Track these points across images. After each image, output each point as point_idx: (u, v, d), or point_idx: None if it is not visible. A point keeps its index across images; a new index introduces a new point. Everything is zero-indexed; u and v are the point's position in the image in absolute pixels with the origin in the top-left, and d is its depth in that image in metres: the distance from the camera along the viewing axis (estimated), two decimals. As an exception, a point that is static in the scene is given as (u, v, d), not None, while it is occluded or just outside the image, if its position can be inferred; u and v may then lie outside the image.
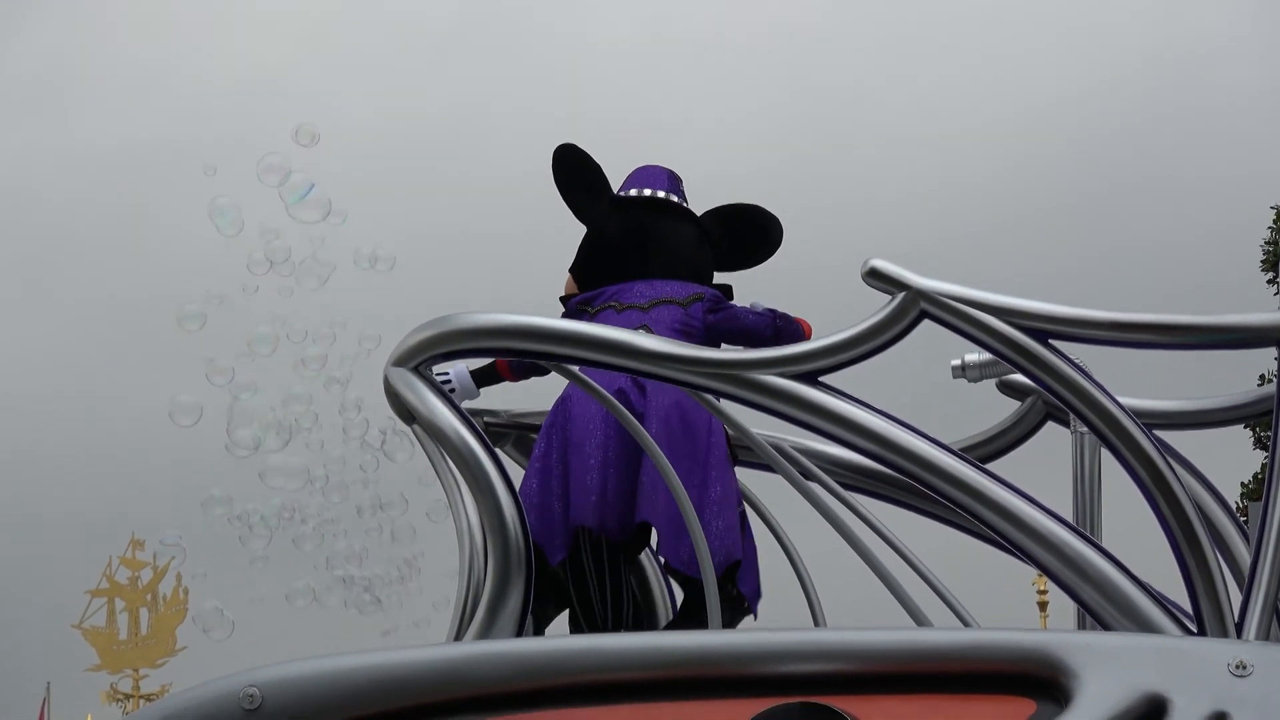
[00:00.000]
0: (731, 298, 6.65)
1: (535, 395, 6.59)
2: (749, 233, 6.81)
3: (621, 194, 6.80)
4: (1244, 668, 4.22)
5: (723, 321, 6.48)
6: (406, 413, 5.31)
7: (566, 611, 6.32)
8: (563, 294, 6.77)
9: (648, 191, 6.78)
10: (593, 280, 6.68)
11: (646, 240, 6.67)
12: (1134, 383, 5.77)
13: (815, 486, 5.69)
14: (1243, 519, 5.89)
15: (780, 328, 6.49)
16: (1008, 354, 5.06)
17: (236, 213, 7.05)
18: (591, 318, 6.41)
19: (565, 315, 6.56)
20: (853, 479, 6.13)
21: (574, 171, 6.80)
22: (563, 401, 6.30)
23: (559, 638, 4.74)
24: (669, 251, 6.65)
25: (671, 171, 6.91)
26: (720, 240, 6.76)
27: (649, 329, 6.20)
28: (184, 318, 7.17)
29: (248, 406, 6.92)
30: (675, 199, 6.79)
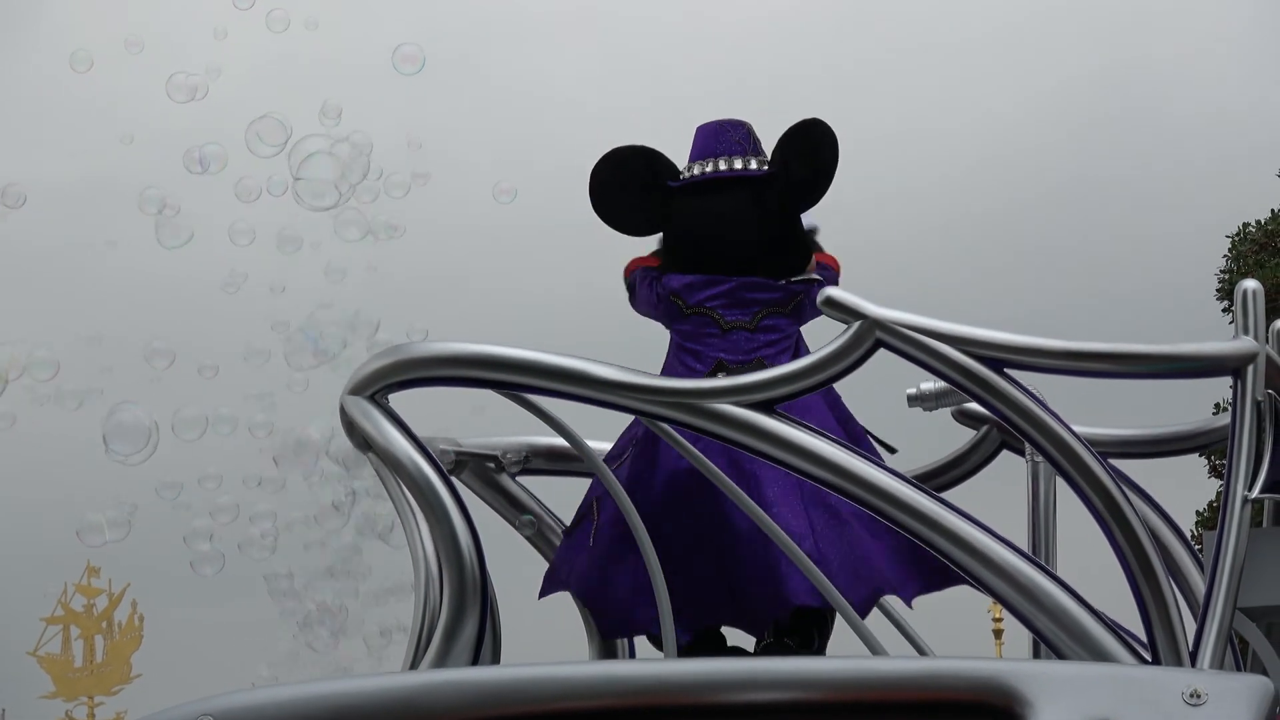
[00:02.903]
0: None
1: (489, 426, 6.54)
2: (800, 165, 6.16)
3: (686, 178, 6.19)
4: (1198, 696, 4.23)
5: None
6: (363, 441, 5.31)
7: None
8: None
9: (710, 168, 6.17)
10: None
11: (728, 231, 6.12)
12: (1089, 411, 5.78)
13: (771, 515, 5.69)
14: (1197, 547, 5.91)
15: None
16: (962, 382, 5.07)
17: None
18: (685, 319, 6.04)
19: (647, 289, 6.13)
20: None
21: (611, 185, 6.16)
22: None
23: (513, 666, 4.72)
24: (760, 241, 6.10)
25: (735, 123, 6.27)
26: (789, 187, 6.16)
27: (762, 362, 5.85)
28: None
29: None
30: (740, 164, 6.17)
